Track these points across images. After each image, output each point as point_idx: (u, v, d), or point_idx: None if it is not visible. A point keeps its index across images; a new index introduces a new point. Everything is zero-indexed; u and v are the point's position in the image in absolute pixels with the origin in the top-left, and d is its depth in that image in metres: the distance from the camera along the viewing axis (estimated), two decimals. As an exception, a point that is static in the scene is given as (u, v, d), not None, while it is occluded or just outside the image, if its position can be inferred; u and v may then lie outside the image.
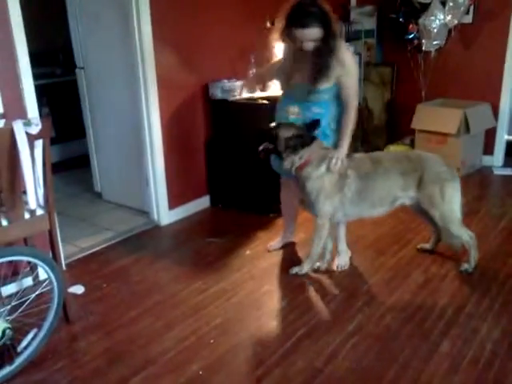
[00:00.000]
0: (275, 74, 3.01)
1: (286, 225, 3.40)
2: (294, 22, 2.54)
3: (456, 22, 4.64)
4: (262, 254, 3.29)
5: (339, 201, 2.77)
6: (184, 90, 3.77)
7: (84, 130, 4.21)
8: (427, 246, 3.24)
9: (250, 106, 3.74)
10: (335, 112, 2.80)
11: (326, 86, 2.70)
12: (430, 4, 4.66)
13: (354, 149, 4.87)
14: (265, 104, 3.68)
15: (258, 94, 3.79)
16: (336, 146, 2.79)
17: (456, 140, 4.59)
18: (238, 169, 3.91)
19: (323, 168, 2.72)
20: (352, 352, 2.32)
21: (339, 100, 2.77)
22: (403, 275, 2.98)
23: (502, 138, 5.06)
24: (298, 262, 3.12)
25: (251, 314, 2.65)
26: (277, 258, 3.25)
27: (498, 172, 4.89)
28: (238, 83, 3.81)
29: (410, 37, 4.82)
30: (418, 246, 3.28)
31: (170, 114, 3.67)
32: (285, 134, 2.69)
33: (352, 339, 2.41)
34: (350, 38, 5.14)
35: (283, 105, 2.91)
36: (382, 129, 5.45)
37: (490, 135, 5.02)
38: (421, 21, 4.67)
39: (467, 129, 4.59)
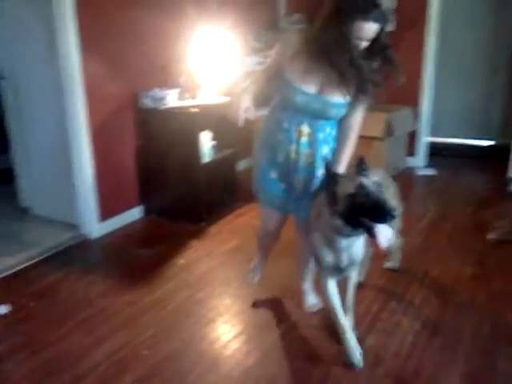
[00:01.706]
0: (275, 83, 2.23)
1: (262, 262, 2.89)
2: (363, 12, 1.90)
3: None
4: (196, 262, 3.31)
5: None
6: (113, 99, 3.72)
7: (8, 143, 4.07)
8: None
9: (181, 114, 3.76)
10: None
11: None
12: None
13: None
14: (196, 112, 3.71)
15: (188, 101, 3.84)
16: None
17: (381, 143, 4.80)
18: (169, 178, 3.92)
19: None
20: (283, 353, 2.38)
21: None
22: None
23: (423, 139, 5.34)
24: (234, 267, 3.16)
25: (185, 323, 2.65)
26: (211, 264, 3.27)
27: (420, 172, 5.15)
28: (169, 92, 3.83)
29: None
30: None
31: (98, 124, 3.61)
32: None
33: (282, 341, 2.47)
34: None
35: (290, 123, 2.22)
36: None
37: (413, 138, 5.29)
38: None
39: (391, 132, 4.81)
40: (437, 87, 5.30)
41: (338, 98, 2.13)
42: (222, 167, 4.21)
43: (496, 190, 4.69)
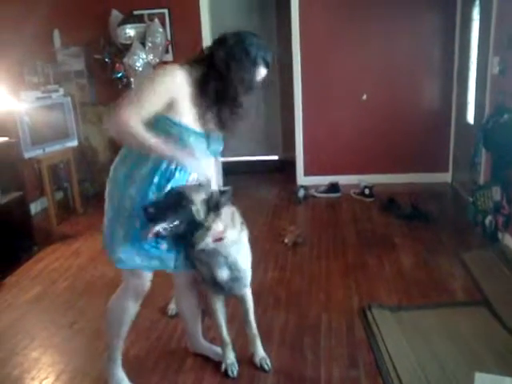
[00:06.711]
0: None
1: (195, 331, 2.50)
2: (266, 60, 2.00)
3: (158, 60, 5.00)
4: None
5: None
6: None
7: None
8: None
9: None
10: None
11: None
12: (131, 45, 4.91)
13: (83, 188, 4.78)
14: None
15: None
16: None
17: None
18: None
19: (239, 224, 2.19)
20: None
21: None
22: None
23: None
24: (39, 317, 2.89)
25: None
26: (10, 318, 2.95)
27: (218, 191, 5.42)
28: None
29: (119, 76, 4.99)
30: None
31: None
32: (197, 196, 1.93)
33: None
34: (61, 79, 5.07)
35: (180, 171, 2.00)
36: (108, 165, 5.48)
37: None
38: (125, 60, 4.88)
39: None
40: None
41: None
42: (11, 212, 3.85)
43: (286, 199, 5.17)
